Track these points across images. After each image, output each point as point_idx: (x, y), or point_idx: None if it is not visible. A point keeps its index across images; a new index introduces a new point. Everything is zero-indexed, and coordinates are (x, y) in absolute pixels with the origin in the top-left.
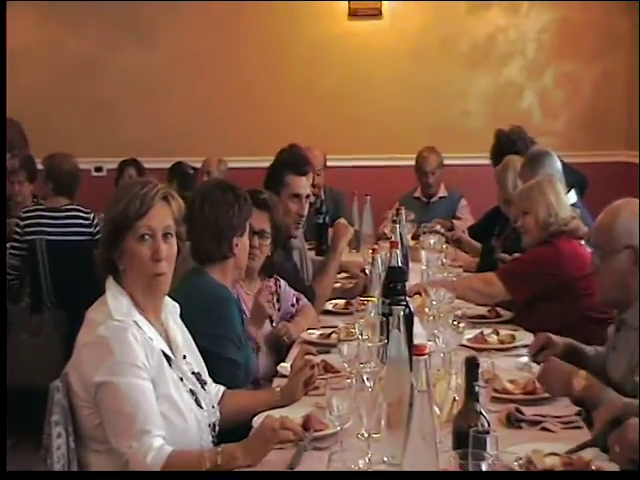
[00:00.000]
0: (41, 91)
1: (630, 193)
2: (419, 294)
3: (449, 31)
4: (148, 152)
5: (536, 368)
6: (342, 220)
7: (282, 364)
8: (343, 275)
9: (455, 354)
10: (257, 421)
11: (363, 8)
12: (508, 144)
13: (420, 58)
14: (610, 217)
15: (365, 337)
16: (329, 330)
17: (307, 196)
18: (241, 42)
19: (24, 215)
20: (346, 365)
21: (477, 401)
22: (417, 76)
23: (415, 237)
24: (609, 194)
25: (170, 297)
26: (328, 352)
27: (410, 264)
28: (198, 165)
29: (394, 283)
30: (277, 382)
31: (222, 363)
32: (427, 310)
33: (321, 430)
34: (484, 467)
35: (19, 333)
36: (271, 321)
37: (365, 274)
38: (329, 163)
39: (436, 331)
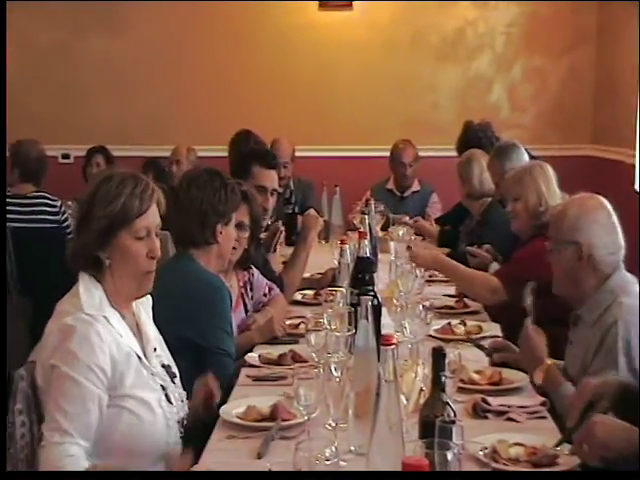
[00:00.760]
0: (8, 77)
1: (595, 186)
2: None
3: (419, 24)
4: (117, 140)
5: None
6: (312, 211)
7: (249, 354)
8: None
9: (422, 345)
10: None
11: None
12: (473, 139)
13: (390, 50)
14: (561, 210)
15: (333, 327)
16: (297, 320)
17: (273, 190)
18: (211, 31)
19: None
20: (314, 355)
21: (443, 391)
22: (387, 68)
23: (384, 228)
24: (575, 187)
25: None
26: (296, 342)
27: (379, 255)
28: (167, 154)
29: (362, 273)
30: (245, 372)
31: (217, 355)
32: (395, 301)
33: (289, 419)
34: (449, 457)
35: None
36: (245, 310)
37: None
38: (299, 153)
39: (404, 322)
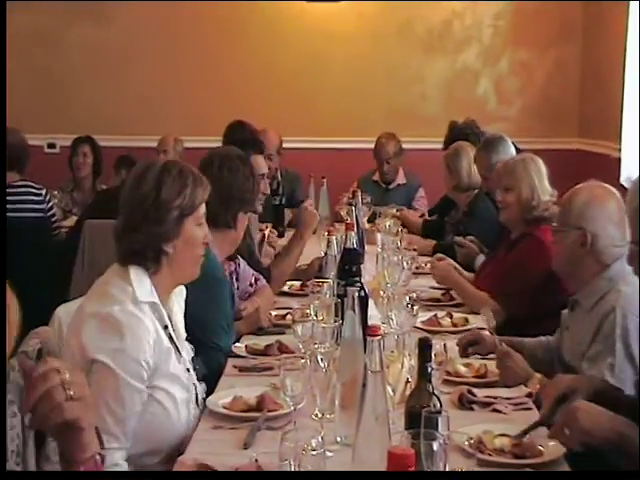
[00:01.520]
0: None
1: (581, 179)
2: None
3: (406, 15)
4: (103, 130)
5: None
6: (310, 207)
7: (236, 344)
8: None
9: (409, 336)
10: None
11: None
12: (460, 137)
13: (378, 42)
14: (571, 195)
15: (320, 318)
16: (284, 311)
17: (264, 174)
18: (200, 22)
19: None
20: (301, 346)
21: (429, 382)
22: (375, 59)
23: (371, 220)
24: (561, 180)
25: None
26: (283, 333)
27: (366, 246)
28: (154, 144)
29: (349, 265)
30: (231, 362)
31: (212, 350)
32: (382, 292)
33: (275, 410)
34: (435, 447)
35: None
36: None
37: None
38: (286, 145)
39: (390, 313)
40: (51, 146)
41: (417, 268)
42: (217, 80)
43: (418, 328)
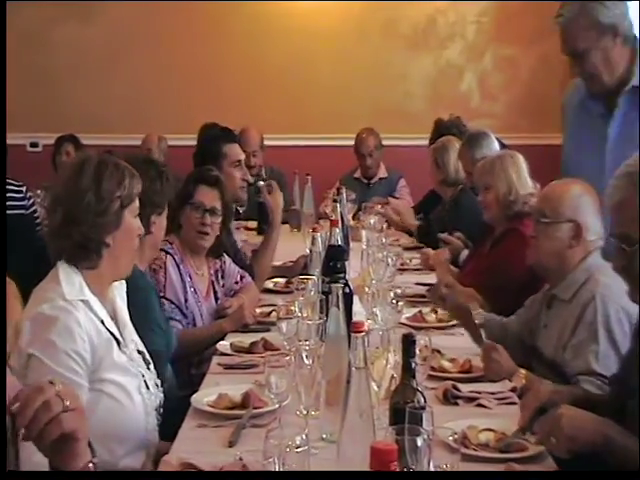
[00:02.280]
0: None
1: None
2: None
3: (391, 12)
4: (87, 128)
5: None
6: (277, 188)
7: (221, 342)
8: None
9: (394, 332)
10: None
11: None
12: (446, 133)
13: (362, 39)
14: (562, 188)
15: (304, 315)
16: (269, 308)
17: (240, 161)
18: (185, 19)
19: None
20: (286, 343)
21: (413, 377)
22: (360, 57)
23: (356, 217)
24: (545, 175)
25: None
26: (268, 330)
27: (351, 243)
28: (138, 142)
29: (334, 261)
30: (216, 360)
31: (152, 354)
32: (367, 289)
33: (260, 407)
34: (419, 442)
35: None
36: (216, 298)
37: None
38: (271, 142)
39: (375, 309)
40: (34, 145)
41: (402, 264)
42: (202, 78)
43: (403, 324)
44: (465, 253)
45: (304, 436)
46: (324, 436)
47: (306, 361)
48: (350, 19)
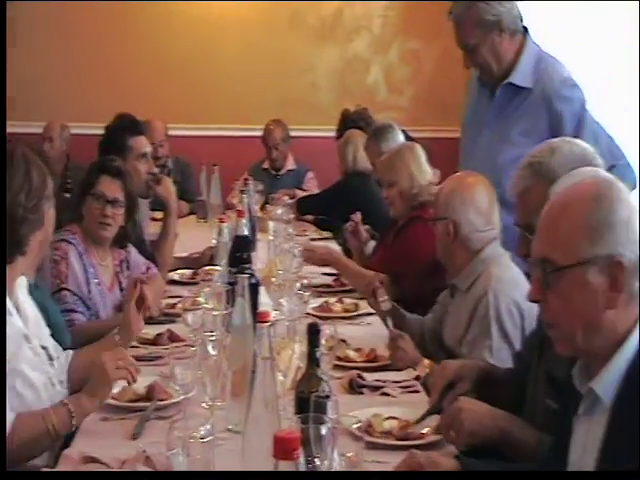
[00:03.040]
0: None
1: None
2: None
3: (297, 4)
4: None
5: None
6: (165, 178)
7: None
8: None
9: (300, 323)
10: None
11: None
12: (352, 124)
13: (269, 29)
14: (440, 187)
15: (210, 306)
16: (175, 300)
17: (146, 153)
18: (88, 8)
19: None
20: (191, 334)
21: (318, 367)
22: (265, 47)
23: (263, 208)
24: (450, 168)
25: None
26: (174, 322)
27: (258, 234)
28: (39, 130)
29: (240, 252)
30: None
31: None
32: (273, 279)
33: (165, 399)
34: (324, 431)
35: None
36: (120, 289)
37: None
38: (177, 132)
39: (282, 300)
40: None
41: None
42: (106, 67)
43: (309, 314)
44: (371, 244)
45: (209, 427)
46: (230, 427)
47: (212, 352)
48: (256, 9)
